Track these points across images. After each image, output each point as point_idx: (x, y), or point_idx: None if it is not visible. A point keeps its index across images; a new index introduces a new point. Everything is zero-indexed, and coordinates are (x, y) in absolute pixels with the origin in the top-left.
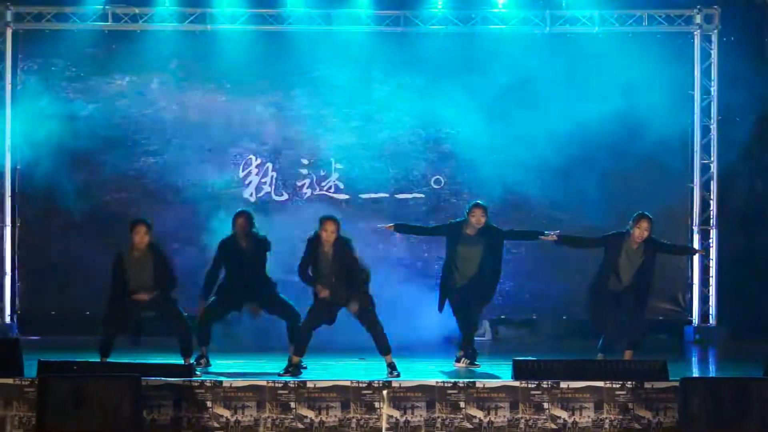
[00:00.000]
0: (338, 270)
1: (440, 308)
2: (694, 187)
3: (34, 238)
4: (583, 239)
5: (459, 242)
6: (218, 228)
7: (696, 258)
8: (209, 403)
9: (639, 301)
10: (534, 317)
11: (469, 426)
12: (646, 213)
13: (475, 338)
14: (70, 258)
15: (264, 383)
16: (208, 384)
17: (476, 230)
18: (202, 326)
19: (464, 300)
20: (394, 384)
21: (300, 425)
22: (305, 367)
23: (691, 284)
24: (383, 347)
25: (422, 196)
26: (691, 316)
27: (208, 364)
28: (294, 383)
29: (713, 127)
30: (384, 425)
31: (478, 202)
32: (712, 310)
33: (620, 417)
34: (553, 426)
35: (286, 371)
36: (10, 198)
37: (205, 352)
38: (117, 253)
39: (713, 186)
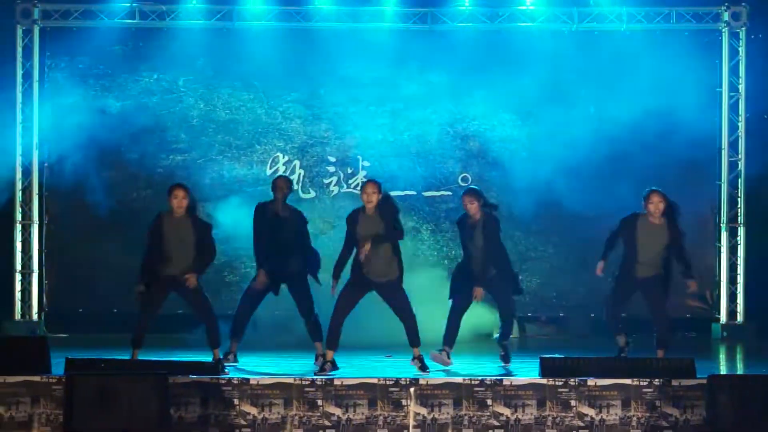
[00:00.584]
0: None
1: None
2: (722, 184)
3: (61, 235)
4: (608, 241)
5: (464, 235)
6: (245, 225)
7: (723, 255)
8: (236, 401)
9: (661, 296)
10: (561, 315)
11: (496, 423)
12: (655, 187)
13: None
14: (97, 255)
15: (291, 380)
16: (235, 381)
17: (474, 220)
18: (239, 318)
19: (490, 291)
20: (422, 381)
21: (327, 423)
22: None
23: (719, 282)
24: (412, 338)
25: (450, 193)
26: (719, 314)
27: (235, 360)
28: (321, 381)
29: (741, 124)
30: (411, 423)
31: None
32: (740, 308)
33: (647, 414)
34: (581, 423)
35: (323, 369)
36: (37, 195)
37: (234, 348)
38: (157, 214)
39: (741, 183)
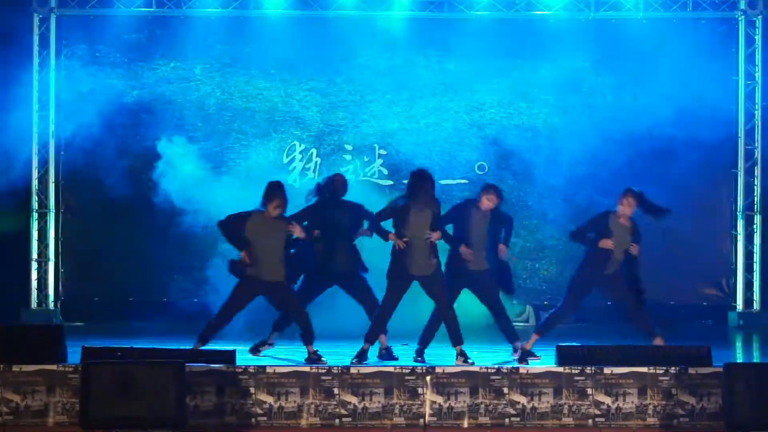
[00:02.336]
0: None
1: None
2: (738, 172)
3: (77, 224)
4: (578, 235)
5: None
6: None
7: (740, 244)
8: (252, 390)
9: (634, 291)
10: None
11: (513, 412)
12: (634, 188)
13: (518, 323)
14: (113, 244)
15: (307, 369)
16: (252, 370)
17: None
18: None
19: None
20: (438, 370)
21: (343, 411)
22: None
23: (735, 270)
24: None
25: (466, 181)
26: (735, 302)
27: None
28: (337, 369)
29: (757, 112)
30: (427, 411)
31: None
32: (756, 296)
33: (664, 402)
34: (597, 411)
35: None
36: (54, 184)
37: (272, 339)
38: (248, 212)
39: (757, 171)
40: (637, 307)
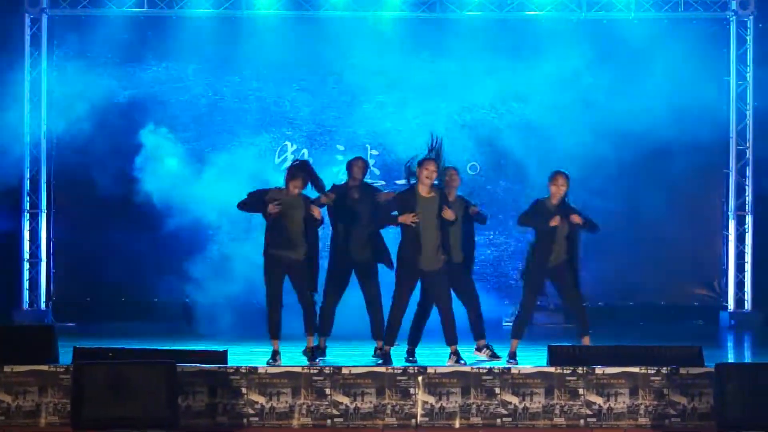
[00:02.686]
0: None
1: None
2: (730, 172)
3: (69, 224)
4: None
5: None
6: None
7: (731, 244)
8: (244, 390)
9: (574, 279)
10: (581, 302)
11: (505, 412)
12: (563, 170)
13: (509, 323)
14: (105, 244)
15: (299, 369)
16: (243, 370)
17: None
18: (324, 313)
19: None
20: (429, 370)
21: (335, 411)
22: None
23: (727, 270)
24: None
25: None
26: (727, 302)
27: (323, 355)
28: (329, 369)
29: (749, 113)
30: (419, 411)
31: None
32: (748, 296)
33: (655, 403)
34: (589, 412)
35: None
36: (45, 184)
37: (323, 344)
38: (268, 188)
39: (749, 172)
40: (577, 302)
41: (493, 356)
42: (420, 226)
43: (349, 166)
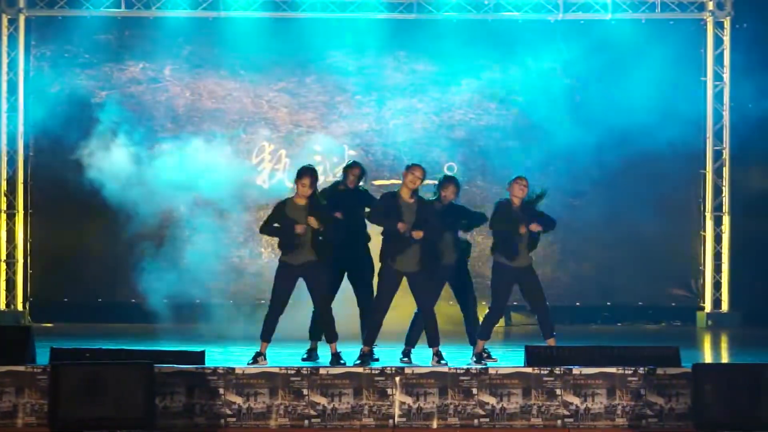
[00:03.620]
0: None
1: None
2: (707, 173)
3: (46, 225)
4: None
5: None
6: (232, 215)
7: (708, 244)
8: (221, 390)
9: (538, 281)
10: (546, 303)
11: (482, 412)
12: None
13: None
14: (82, 245)
15: (277, 370)
16: (221, 371)
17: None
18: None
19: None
20: (407, 371)
21: (312, 412)
22: (377, 359)
23: (703, 270)
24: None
25: (435, 182)
26: (704, 303)
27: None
28: (307, 370)
29: (725, 113)
30: (396, 412)
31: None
32: (725, 297)
33: (632, 403)
34: (566, 412)
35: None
36: (22, 185)
37: (315, 345)
38: (282, 201)
39: (725, 172)
40: (543, 304)
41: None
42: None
43: (345, 171)
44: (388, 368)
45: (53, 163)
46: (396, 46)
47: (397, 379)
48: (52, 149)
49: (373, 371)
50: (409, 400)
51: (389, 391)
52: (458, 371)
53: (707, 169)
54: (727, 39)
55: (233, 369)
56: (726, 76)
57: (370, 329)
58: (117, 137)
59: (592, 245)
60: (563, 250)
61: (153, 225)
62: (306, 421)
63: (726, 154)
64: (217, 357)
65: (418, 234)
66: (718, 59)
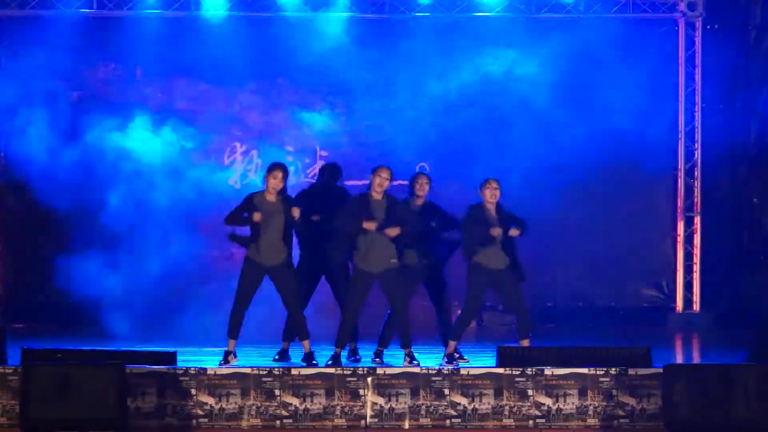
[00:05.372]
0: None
1: None
2: (678, 173)
3: (19, 225)
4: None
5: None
6: (203, 215)
7: (680, 245)
8: (193, 391)
9: (516, 284)
10: (525, 306)
11: (454, 413)
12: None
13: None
14: (55, 246)
15: (248, 371)
16: (192, 372)
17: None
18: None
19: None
20: (379, 371)
21: (284, 412)
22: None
23: (675, 271)
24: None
25: (407, 183)
26: (675, 303)
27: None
28: (279, 370)
29: (697, 114)
30: (368, 412)
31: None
32: (696, 297)
33: (604, 404)
34: (538, 413)
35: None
36: None
37: (287, 346)
38: (249, 194)
39: (697, 172)
40: (520, 306)
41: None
42: (370, 230)
43: (322, 170)
44: (360, 369)
45: (25, 164)
46: (368, 46)
47: (369, 379)
48: (23, 150)
49: (345, 372)
50: (381, 400)
51: (361, 391)
52: (430, 372)
53: (679, 170)
54: (698, 39)
55: (205, 369)
56: (698, 77)
57: (341, 331)
58: (88, 138)
59: (564, 246)
60: (536, 251)
61: (127, 225)
62: (278, 422)
63: (698, 155)
64: (189, 357)
65: (393, 231)
66: (690, 60)
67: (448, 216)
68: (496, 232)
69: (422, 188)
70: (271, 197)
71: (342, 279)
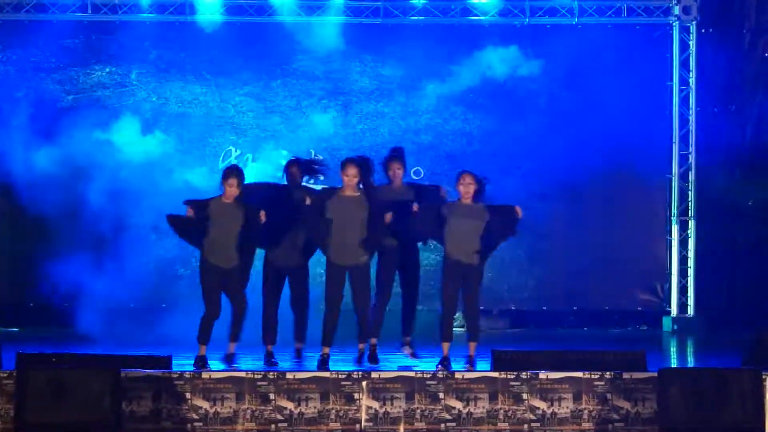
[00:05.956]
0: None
1: None
2: (673, 178)
3: (12, 229)
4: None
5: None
6: None
7: (674, 249)
8: (188, 395)
9: (477, 283)
10: (513, 308)
11: (448, 417)
12: (468, 169)
13: (456, 329)
14: (47, 249)
15: (243, 374)
16: (187, 375)
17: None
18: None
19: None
20: (374, 375)
21: (279, 417)
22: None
23: (669, 275)
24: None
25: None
26: (670, 307)
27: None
28: (273, 374)
29: (691, 118)
30: (363, 416)
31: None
32: (690, 301)
33: (599, 407)
34: (532, 417)
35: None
36: None
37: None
38: (205, 200)
39: (691, 177)
40: (474, 306)
41: (414, 356)
42: (343, 222)
43: (286, 168)
44: (355, 373)
45: (18, 167)
46: (362, 51)
47: (364, 383)
48: (18, 153)
49: (340, 376)
50: (375, 404)
51: (356, 395)
52: (425, 375)
53: (673, 174)
54: (693, 43)
55: (200, 373)
56: (692, 81)
57: (325, 328)
58: (82, 141)
59: (558, 249)
60: (529, 254)
61: (120, 229)
62: (273, 426)
63: (692, 159)
64: (184, 362)
65: (387, 217)
66: (684, 64)
67: (430, 188)
68: (387, 217)
69: (396, 174)
70: (230, 201)
71: (302, 281)
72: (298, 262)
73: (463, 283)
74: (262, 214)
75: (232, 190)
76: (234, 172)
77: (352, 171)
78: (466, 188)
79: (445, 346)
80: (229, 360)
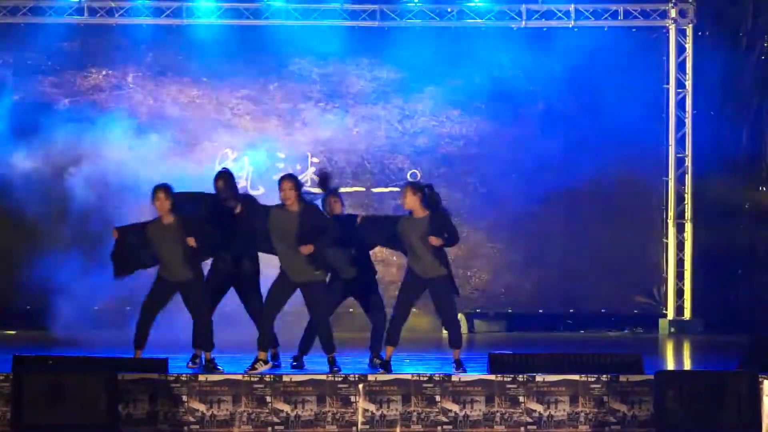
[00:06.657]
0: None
1: None
2: (669, 180)
3: (9, 232)
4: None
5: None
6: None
7: (670, 251)
8: (185, 398)
9: (447, 293)
10: (509, 311)
11: (445, 420)
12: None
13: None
14: (44, 252)
15: (240, 377)
16: (184, 378)
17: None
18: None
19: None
20: (370, 378)
21: (276, 419)
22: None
23: (666, 278)
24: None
25: (399, 190)
26: (666, 310)
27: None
28: (270, 377)
29: (688, 121)
30: (360, 419)
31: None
32: (687, 304)
33: (595, 410)
34: (529, 419)
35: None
36: None
37: (276, 353)
38: (141, 223)
39: (688, 180)
40: (449, 315)
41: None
42: (287, 241)
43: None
44: (352, 375)
45: (15, 169)
46: (359, 54)
47: (361, 386)
48: (14, 156)
49: (336, 378)
50: (372, 407)
51: (352, 398)
52: (421, 378)
53: (669, 177)
54: (689, 46)
55: (196, 376)
56: (688, 84)
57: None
58: (79, 144)
59: (555, 252)
60: (526, 257)
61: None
62: (269, 428)
63: (688, 162)
64: (181, 364)
65: (306, 249)
66: (681, 67)
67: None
68: (436, 240)
69: (333, 208)
70: (168, 220)
71: (252, 289)
72: (246, 269)
73: (432, 295)
74: (191, 240)
75: (160, 203)
76: (160, 187)
77: (286, 186)
78: (408, 203)
79: (391, 349)
80: (209, 367)
